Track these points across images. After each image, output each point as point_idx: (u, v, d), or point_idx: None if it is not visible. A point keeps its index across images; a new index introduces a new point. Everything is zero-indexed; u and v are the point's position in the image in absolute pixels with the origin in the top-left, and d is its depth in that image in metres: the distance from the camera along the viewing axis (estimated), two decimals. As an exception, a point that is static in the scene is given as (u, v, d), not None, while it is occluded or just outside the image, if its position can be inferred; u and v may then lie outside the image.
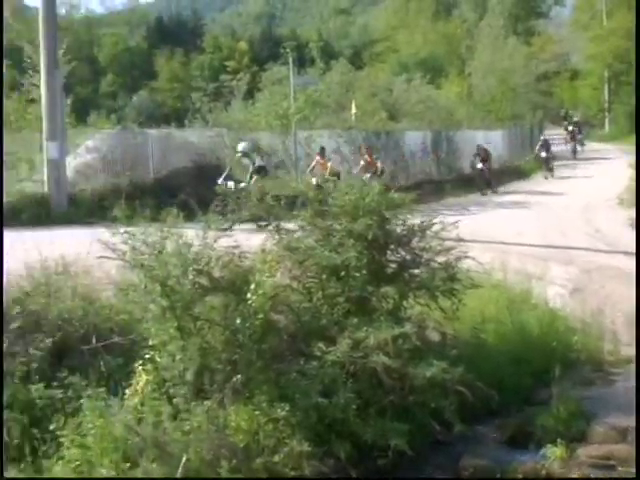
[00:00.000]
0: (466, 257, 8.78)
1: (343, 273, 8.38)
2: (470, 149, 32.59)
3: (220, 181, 16.82)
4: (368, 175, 20.15)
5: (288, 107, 24.72)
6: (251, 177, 17.21)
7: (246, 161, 17.80)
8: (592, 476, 7.36)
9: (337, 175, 18.70)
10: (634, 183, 21.04)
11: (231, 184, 16.60)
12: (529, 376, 9.27)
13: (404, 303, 8.46)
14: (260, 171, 17.60)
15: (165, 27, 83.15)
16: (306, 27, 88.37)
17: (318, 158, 20.93)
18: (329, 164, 20.60)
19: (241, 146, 18.07)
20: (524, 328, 10.00)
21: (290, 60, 25.64)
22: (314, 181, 18.01)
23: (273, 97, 27.37)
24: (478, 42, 49.45)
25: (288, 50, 27.52)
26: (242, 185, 16.95)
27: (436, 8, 66.51)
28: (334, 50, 65.24)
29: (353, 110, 28.30)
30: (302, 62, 35.28)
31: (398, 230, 8.80)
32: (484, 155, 27.69)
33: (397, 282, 8.54)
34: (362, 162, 21.97)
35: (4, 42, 24.63)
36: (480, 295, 9.71)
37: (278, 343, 7.72)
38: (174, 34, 79.04)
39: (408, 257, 8.79)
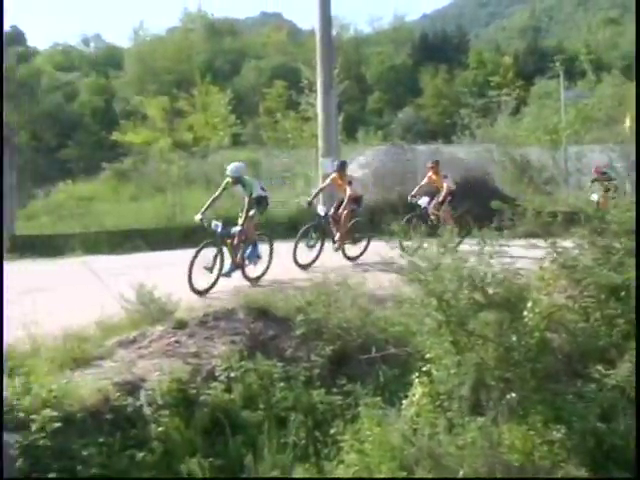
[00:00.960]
0: None
1: (623, 293, 8.01)
2: None
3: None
4: (426, 199, 14.81)
5: (558, 121, 24.04)
6: (247, 213, 11.19)
7: (239, 189, 11.53)
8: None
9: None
10: None
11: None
12: None
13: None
14: (260, 203, 11.68)
15: (430, 44, 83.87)
16: (573, 39, 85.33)
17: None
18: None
19: (231, 168, 11.63)
20: None
21: (560, 73, 24.92)
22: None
23: (542, 111, 26.71)
24: None
25: (557, 63, 26.76)
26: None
27: None
28: (604, 62, 62.40)
29: (627, 124, 26.90)
30: (570, 75, 34.06)
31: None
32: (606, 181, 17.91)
33: (684, 305, 8.03)
34: (424, 180, 15.74)
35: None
36: None
37: (553, 363, 7.54)
38: (439, 50, 79.49)
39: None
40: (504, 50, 79.54)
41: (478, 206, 15.35)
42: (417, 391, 7.18)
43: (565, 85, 25.73)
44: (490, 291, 7.49)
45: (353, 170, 20.30)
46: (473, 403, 7.06)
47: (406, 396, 7.25)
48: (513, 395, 6.99)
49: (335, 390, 7.50)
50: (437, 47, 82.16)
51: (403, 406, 7.14)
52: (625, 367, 7.25)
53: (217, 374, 7.43)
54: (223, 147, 25.48)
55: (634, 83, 40.46)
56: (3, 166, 15.51)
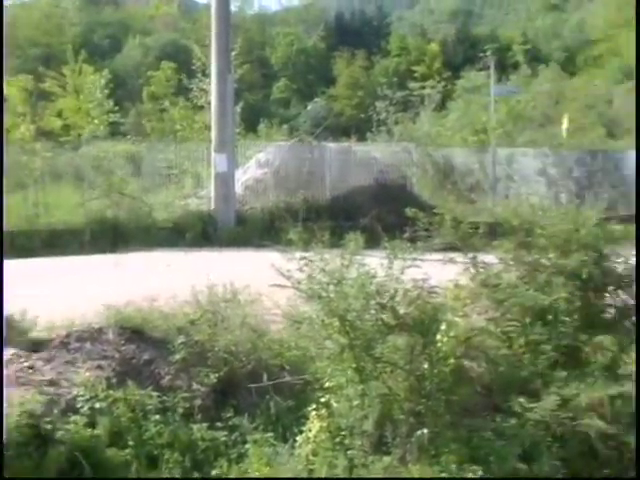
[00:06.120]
0: None
1: (550, 317, 8.26)
2: None
3: None
4: None
5: (487, 120, 24.60)
6: None
7: None
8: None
9: None
10: None
11: None
12: None
13: (624, 357, 8.22)
14: None
15: (346, 26, 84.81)
16: (509, 26, 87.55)
17: None
18: None
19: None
20: None
21: (490, 65, 25.51)
22: None
23: (469, 108, 27.33)
24: None
25: (488, 53, 27.40)
26: None
27: (671, 1, 64.23)
28: (542, 53, 64.27)
29: (564, 125, 27.78)
30: (504, 67, 34.92)
31: (619, 269, 8.59)
32: None
33: (616, 331, 8.32)
34: None
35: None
36: None
37: (470, 395, 7.70)
38: (355, 34, 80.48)
39: (630, 302, 8.55)
40: (431, 36, 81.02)
41: (392, 214, 15.64)
42: (314, 426, 7.22)
43: (496, 78, 26.27)
44: (401, 311, 7.59)
45: (251, 169, 20.40)
46: (378, 440, 7.16)
47: (301, 431, 7.29)
48: (424, 431, 7.09)
49: (219, 424, 7.49)
50: (354, 30, 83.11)
51: (297, 443, 7.18)
52: (550, 400, 7.46)
53: (79, 405, 7.31)
54: (98, 137, 25.06)
55: (576, 78, 41.98)
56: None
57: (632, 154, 28.00)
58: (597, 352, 8.11)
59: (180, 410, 7.55)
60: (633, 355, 8.20)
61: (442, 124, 27.49)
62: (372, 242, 9.08)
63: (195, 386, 7.92)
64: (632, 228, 8.95)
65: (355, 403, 7.21)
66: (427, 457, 6.99)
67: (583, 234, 8.51)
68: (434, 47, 73.00)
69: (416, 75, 42.42)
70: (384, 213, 15.71)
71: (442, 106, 30.70)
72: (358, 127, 33.23)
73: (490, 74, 25.44)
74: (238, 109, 22.51)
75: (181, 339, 8.30)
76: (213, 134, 18.76)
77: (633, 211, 19.84)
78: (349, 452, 7.00)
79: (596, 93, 35.45)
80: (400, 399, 7.29)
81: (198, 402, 7.75)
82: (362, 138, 27.35)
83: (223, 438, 7.32)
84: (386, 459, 6.90)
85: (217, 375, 8.03)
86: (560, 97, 32.27)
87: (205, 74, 22.41)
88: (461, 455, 6.94)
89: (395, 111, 25.99)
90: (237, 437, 7.32)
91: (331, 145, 22.17)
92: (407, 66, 64.55)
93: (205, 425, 7.42)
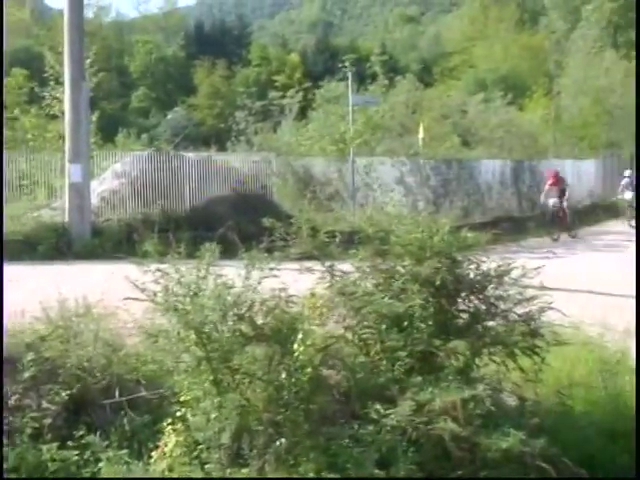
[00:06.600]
0: (550, 308, 8.69)
1: (406, 324, 8.35)
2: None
3: None
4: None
5: (345, 130, 24.88)
6: None
7: None
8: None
9: None
10: None
11: None
12: (626, 453, 9.03)
13: (476, 361, 8.39)
14: None
15: (206, 35, 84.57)
16: (368, 37, 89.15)
17: None
18: None
19: None
20: (620, 395, 9.76)
21: (349, 75, 25.83)
22: None
23: (328, 118, 27.58)
24: (569, 56, 49.27)
25: (347, 64, 27.74)
26: None
27: (520, 17, 66.71)
28: (399, 64, 65.58)
29: (420, 134, 28.38)
30: (362, 78, 35.38)
31: (471, 275, 8.75)
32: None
33: (468, 336, 8.46)
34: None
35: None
36: (567, 354, 9.57)
37: (328, 403, 7.71)
38: (216, 43, 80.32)
39: (482, 307, 8.72)
40: (291, 46, 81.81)
41: (251, 224, 15.63)
42: (169, 440, 7.12)
43: (355, 89, 26.64)
44: (258, 321, 7.56)
45: (107, 180, 20.07)
46: (236, 452, 7.10)
47: (157, 447, 7.18)
48: (282, 441, 7.08)
49: (71, 443, 7.27)
50: (214, 39, 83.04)
51: (153, 459, 7.06)
52: (406, 405, 7.54)
53: None
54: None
55: (432, 89, 42.89)
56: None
57: (485, 163, 29.00)
58: (451, 357, 8.24)
59: (28, 431, 7.29)
60: (485, 359, 8.42)
61: (302, 134, 27.66)
62: (230, 252, 9.04)
63: (45, 405, 7.68)
64: (483, 235, 9.13)
65: (212, 416, 7.11)
66: (285, 467, 6.97)
67: (437, 241, 8.62)
68: (294, 57, 73.71)
69: (277, 85, 42.66)
70: (244, 223, 15.67)
71: (303, 116, 30.91)
72: (218, 137, 33.24)
73: (349, 84, 25.76)
74: (94, 118, 22.15)
75: (30, 356, 8.04)
76: (67, 144, 18.38)
77: (486, 218, 20.50)
78: (206, 466, 6.92)
79: (451, 104, 36.40)
80: (258, 410, 7.23)
81: (48, 421, 7.51)
82: (222, 148, 27.32)
83: (75, 457, 7.11)
84: (244, 471, 6.85)
85: (69, 392, 7.81)
86: (417, 107, 32.99)
87: (59, 82, 21.91)
88: (319, 463, 6.95)
89: (255, 121, 26.08)
90: (90, 456, 7.12)
91: (190, 155, 22.06)
92: (268, 76, 64.98)
93: (55, 445, 7.19)
